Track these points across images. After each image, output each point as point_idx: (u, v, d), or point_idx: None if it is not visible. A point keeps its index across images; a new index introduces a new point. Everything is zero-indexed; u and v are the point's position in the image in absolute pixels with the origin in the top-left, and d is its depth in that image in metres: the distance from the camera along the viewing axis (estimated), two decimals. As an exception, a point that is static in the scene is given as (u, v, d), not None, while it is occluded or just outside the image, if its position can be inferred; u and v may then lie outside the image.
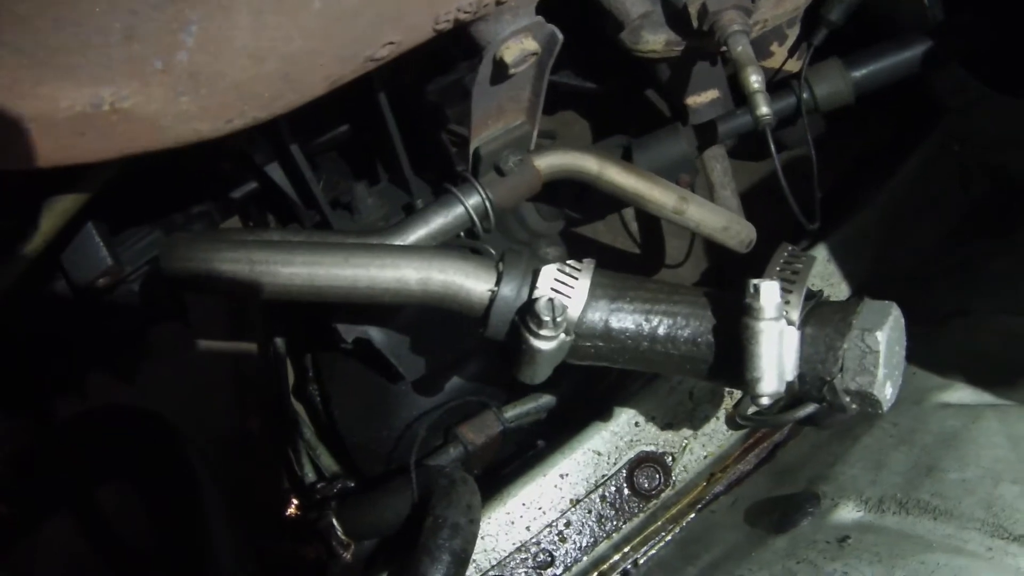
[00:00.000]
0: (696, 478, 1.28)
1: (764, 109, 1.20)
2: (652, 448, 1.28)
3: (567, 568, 1.23)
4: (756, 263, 1.05)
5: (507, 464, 1.39)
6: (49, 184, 1.03)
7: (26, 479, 1.25)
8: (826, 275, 1.43)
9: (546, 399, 1.39)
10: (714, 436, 1.29)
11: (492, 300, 1.03)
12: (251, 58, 0.84)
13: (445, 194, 1.23)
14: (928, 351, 1.27)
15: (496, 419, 1.34)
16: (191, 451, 1.32)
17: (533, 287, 1.01)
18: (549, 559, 1.23)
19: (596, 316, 1.03)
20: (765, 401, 0.95)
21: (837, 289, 1.43)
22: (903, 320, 1.00)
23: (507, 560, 1.23)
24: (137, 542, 1.38)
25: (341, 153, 1.47)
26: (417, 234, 1.21)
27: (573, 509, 1.25)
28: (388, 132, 1.29)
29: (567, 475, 1.26)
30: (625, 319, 1.02)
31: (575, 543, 1.24)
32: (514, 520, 1.24)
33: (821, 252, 1.44)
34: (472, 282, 1.05)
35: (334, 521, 1.33)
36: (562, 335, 1.00)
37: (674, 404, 1.29)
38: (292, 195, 1.31)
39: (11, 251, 1.05)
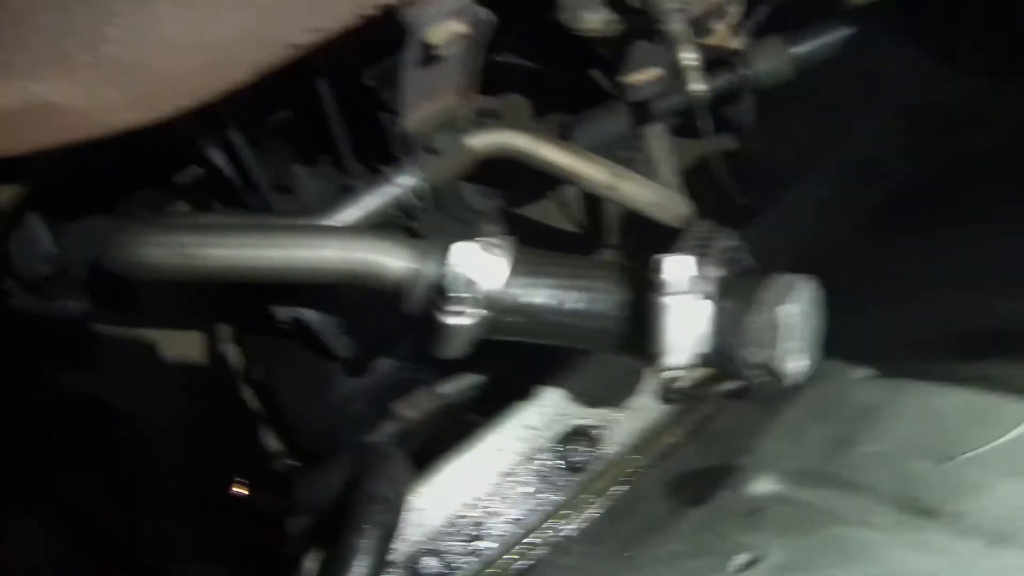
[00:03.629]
0: (626, 451, 1.29)
1: (698, 85, 1.21)
2: (583, 422, 1.29)
3: (498, 540, 1.25)
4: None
5: (445, 440, 1.40)
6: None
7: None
8: (765, 251, 1.43)
9: (482, 375, 1.40)
10: (644, 410, 1.30)
11: (411, 278, 1.05)
12: (173, 48, 0.85)
13: (378, 175, 1.24)
14: (859, 327, 1.28)
15: (432, 395, 1.36)
16: (140, 437, 1.34)
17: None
18: (481, 532, 1.25)
19: (513, 291, 1.04)
20: (670, 374, 0.96)
21: (775, 266, 1.43)
22: (817, 294, 1.01)
23: (439, 534, 1.24)
24: (105, 535, 1.40)
25: (287, 136, 1.47)
26: (351, 215, 1.22)
27: (504, 482, 1.26)
28: (328, 115, 1.30)
29: (499, 449, 1.27)
30: (541, 294, 1.04)
31: (506, 516, 1.25)
32: (446, 495, 1.25)
33: (759, 228, 1.44)
34: (392, 260, 1.06)
35: (275, 500, 1.35)
36: (477, 310, 1.01)
37: (606, 378, 1.30)
38: (234, 179, 1.32)
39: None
